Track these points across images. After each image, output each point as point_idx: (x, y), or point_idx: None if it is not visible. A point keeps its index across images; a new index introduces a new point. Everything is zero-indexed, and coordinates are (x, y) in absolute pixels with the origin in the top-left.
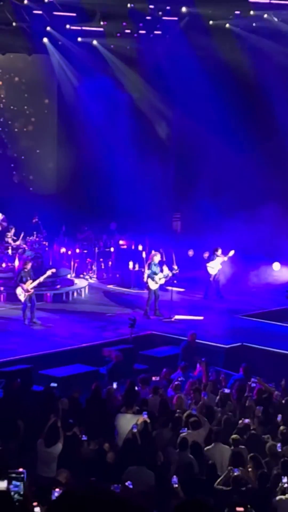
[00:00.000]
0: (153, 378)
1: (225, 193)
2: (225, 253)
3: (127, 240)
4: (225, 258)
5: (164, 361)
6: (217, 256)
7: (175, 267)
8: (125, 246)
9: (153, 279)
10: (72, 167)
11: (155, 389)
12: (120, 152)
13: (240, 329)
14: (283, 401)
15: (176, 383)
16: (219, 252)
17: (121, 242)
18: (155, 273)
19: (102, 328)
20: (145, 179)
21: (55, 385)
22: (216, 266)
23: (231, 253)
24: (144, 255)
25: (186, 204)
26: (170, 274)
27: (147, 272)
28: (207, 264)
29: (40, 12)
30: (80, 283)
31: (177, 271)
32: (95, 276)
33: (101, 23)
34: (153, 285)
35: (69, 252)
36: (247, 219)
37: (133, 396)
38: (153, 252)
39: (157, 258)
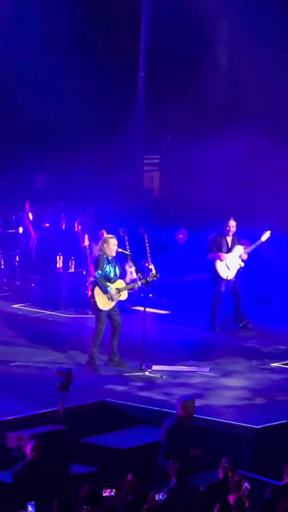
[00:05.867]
0: (106, 493)
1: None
2: (251, 237)
3: (53, 212)
4: (250, 248)
5: (128, 457)
6: (232, 242)
7: (151, 267)
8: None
9: (105, 291)
10: None
11: None
12: None
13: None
14: None
15: (151, 503)
16: (230, 233)
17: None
18: (109, 279)
19: (2, 392)
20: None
21: None
22: (233, 263)
23: (265, 236)
24: (87, 242)
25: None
26: (139, 284)
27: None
28: (217, 261)
29: None
30: None
31: (155, 277)
32: None
33: None
34: (105, 304)
35: None
36: None
37: None
38: (104, 234)
39: (112, 246)
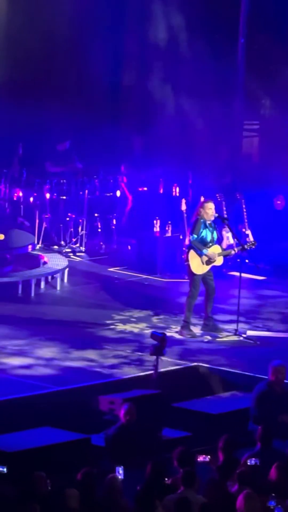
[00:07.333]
0: (200, 458)
1: None
2: None
3: (149, 177)
4: None
5: (222, 422)
6: None
7: (248, 232)
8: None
9: (200, 253)
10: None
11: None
12: None
13: None
14: None
15: (243, 468)
16: None
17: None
18: (206, 243)
19: (96, 355)
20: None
21: (3, 469)
22: None
23: None
24: (184, 206)
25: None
26: (236, 250)
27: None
28: None
29: None
30: (53, 262)
31: (253, 245)
32: (83, 248)
33: None
34: (199, 267)
35: (31, 200)
36: None
37: (159, 494)
38: (202, 199)
39: (208, 211)
